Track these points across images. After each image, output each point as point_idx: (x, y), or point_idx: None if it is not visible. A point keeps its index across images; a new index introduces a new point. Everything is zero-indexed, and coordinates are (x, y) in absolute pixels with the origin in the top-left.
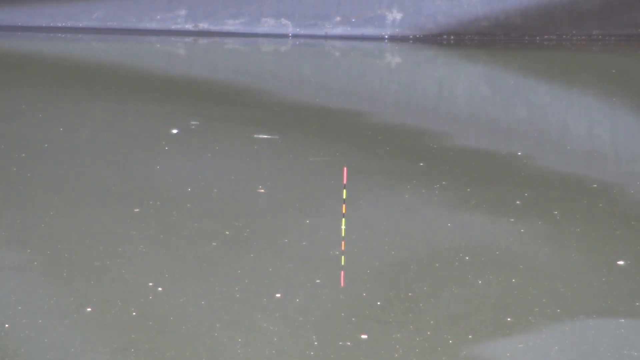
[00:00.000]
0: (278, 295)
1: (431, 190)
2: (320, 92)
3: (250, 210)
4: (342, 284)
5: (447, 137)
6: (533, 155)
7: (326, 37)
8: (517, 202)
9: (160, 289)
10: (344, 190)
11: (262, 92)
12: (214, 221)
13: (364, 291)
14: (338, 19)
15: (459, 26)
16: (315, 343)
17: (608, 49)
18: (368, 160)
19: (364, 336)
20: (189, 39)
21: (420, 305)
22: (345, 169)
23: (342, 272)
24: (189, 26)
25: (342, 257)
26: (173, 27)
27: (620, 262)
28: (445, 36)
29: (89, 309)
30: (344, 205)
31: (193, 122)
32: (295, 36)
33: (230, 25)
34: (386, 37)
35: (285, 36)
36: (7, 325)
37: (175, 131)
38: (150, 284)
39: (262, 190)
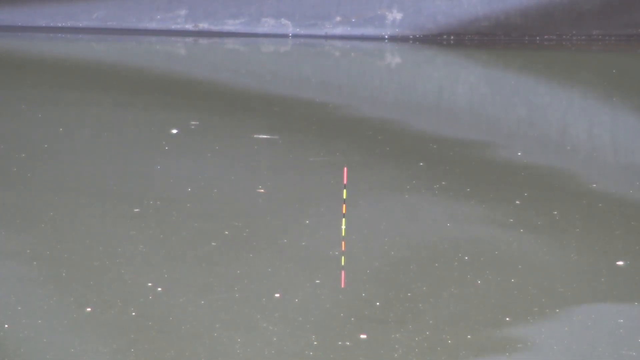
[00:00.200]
0: (277, 295)
1: (431, 190)
2: (320, 92)
3: (250, 210)
4: (342, 285)
5: (447, 137)
6: (533, 155)
7: (326, 37)
8: (517, 202)
9: (159, 289)
10: (344, 190)
11: (262, 92)
12: (214, 221)
13: (363, 291)
14: (338, 19)
15: (459, 26)
16: (315, 343)
17: (608, 49)
18: (368, 160)
19: (363, 336)
20: (189, 39)
21: (419, 305)
22: (345, 169)
23: (343, 273)
24: (189, 26)
25: (343, 257)
26: (173, 27)
27: (620, 262)
28: (445, 36)
29: (88, 309)
30: (344, 205)
31: (193, 122)
32: (295, 36)
33: (231, 25)
34: (386, 37)
35: (285, 36)
36: (6, 326)
37: (175, 131)
38: (150, 284)
39: (262, 190)
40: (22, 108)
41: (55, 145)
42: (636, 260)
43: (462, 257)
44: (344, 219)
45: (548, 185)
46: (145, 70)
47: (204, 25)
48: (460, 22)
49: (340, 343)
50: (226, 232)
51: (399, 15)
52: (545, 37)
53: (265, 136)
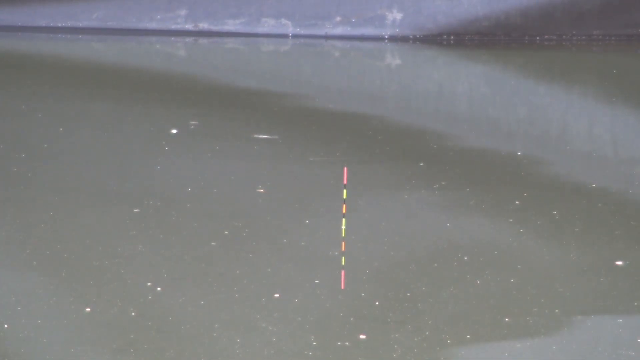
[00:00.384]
0: (277, 295)
1: (431, 191)
2: (320, 92)
3: (249, 210)
4: (342, 285)
5: (447, 137)
6: (533, 155)
7: (326, 37)
8: (517, 202)
9: (159, 289)
10: (344, 190)
11: (262, 92)
12: (214, 221)
13: (362, 291)
14: (338, 19)
15: (459, 26)
16: (314, 343)
17: (608, 49)
18: (368, 160)
19: (362, 336)
20: (189, 39)
21: (418, 306)
22: (345, 169)
23: (343, 273)
24: (189, 26)
25: (343, 257)
26: (173, 27)
27: (619, 263)
28: (445, 36)
29: (88, 309)
30: (344, 205)
31: (192, 122)
32: (295, 36)
33: (231, 25)
34: (386, 37)
35: (285, 36)
36: (6, 326)
37: (174, 131)
38: (150, 284)
39: (262, 190)
40: (22, 108)
41: (55, 145)
42: (635, 260)
43: (462, 257)
44: (344, 219)
45: (548, 185)
46: (145, 70)
47: (204, 25)
48: (460, 22)
49: (339, 343)
50: (226, 232)
51: (399, 15)
52: (545, 37)
53: (265, 136)
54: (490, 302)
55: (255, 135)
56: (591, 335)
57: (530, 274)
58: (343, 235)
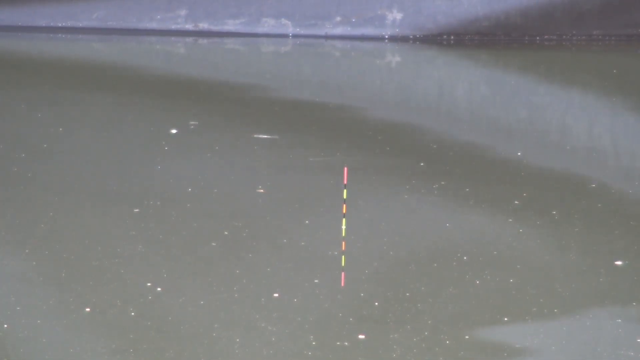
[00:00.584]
0: (276, 295)
1: (430, 190)
2: (321, 92)
3: (249, 210)
4: (342, 285)
5: (447, 137)
6: (533, 155)
7: (326, 37)
8: (516, 202)
9: (159, 289)
10: (344, 190)
11: (262, 92)
12: (214, 221)
13: (362, 291)
14: (338, 19)
15: (459, 26)
16: (313, 343)
17: (608, 49)
18: (368, 160)
19: (361, 336)
20: (189, 39)
21: (418, 306)
22: (345, 169)
23: (343, 273)
24: (189, 26)
25: (343, 257)
26: (173, 27)
27: (619, 262)
28: (445, 36)
29: (87, 309)
30: (344, 205)
31: (192, 122)
32: (295, 36)
33: (231, 25)
34: (386, 37)
35: (285, 36)
36: (5, 326)
37: (174, 131)
38: (149, 284)
39: (262, 190)
40: (22, 108)
41: (55, 145)
42: (635, 260)
43: (461, 257)
44: (344, 219)
45: (547, 185)
46: (145, 70)
47: (204, 25)
48: (460, 22)
49: (338, 343)
50: (226, 232)
51: (399, 15)
52: (545, 37)
53: (265, 136)
54: (490, 302)
55: (255, 135)
56: (590, 335)
57: (529, 274)
58: (343, 235)
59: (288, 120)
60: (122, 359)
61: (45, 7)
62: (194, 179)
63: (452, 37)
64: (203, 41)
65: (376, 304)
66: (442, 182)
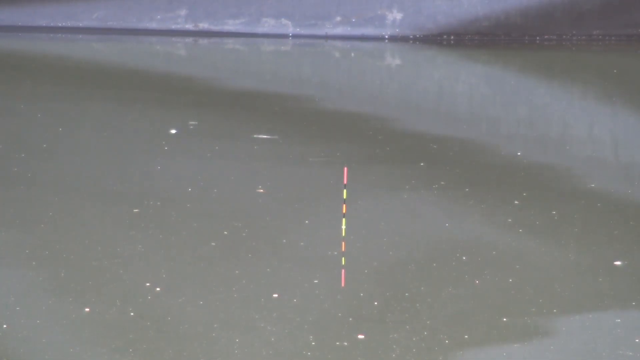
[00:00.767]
0: (276, 295)
1: (430, 190)
2: (321, 92)
3: (249, 211)
4: (343, 285)
5: (447, 137)
6: (532, 155)
7: (326, 37)
8: (516, 202)
9: (158, 289)
10: (344, 190)
11: (262, 92)
12: (213, 221)
13: (361, 291)
14: (338, 19)
15: (459, 26)
16: (313, 343)
17: (608, 49)
18: (368, 160)
19: (361, 336)
20: (189, 39)
21: (417, 306)
22: (345, 169)
23: (343, 273)
24: (189, 26)
25: (343, 257)
26: (173, 27)
27: (618, 262)
28: (445, 36)
29: (87, 309)
30: (344, 205)
31: (192, 122)
32: (295, 36)
33: (231, 25)
34: (386, 37)
35: (285, 36)
36: (5, 326)
37: (173, 131)
38: (149, 284)
39: (262, 190)
40: (22, 108)
41: (55, 145)
42: (634, 260)
43: (461, 257)
44: (344, 219)
45: (547, 186)
46: (145, 70)
47: (204, 25)
48: (460, 22)
49: (338, 343)
50: (225, 233)
51: (399, 15)
52: (545, 37)
53: (265, 136)
54: (489, 302)
55: (255, 135)
56: (589, 335)
57: (528, 274)
58: (343, 235)
59: (288, 120)
60: (122, 358)
61: (45, 7)
62: (194, 179)
63: (452, 37)
64: (203, 41)
65: (375, 303)
66: (442, 182)
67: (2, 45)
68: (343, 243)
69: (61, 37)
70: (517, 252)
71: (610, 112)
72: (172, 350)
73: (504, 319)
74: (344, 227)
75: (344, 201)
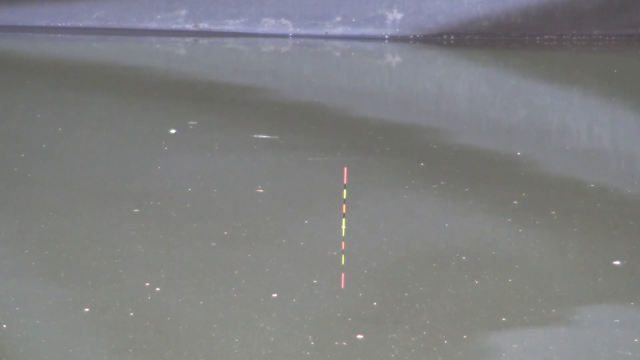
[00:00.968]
0: (275, 295)
1: (430, 190)
2: (320, 92)
3: (249, 211)
4: (342, 285)
5: (447, 137)
6: (532, 155)
7: (326, 37)
8: (515, 202)
9: (158, 289)
10: (344, 190)
11: (262, 92)
12: (213, 221)
13: (360, 291)
14: (338, 19)
15: (460, 26)
16: (312, 343)
17: (608, 49)
18: (368, 160)
19: (360, 336)
20: (189, 39)
21: (416, 306)
22: (345, 169)
23: (343, 273)
24: (189, 26)
25: (343, 257)
26: (173, 27)
27: (617, 262)
28: (445, 36)
29: (86, 310)
30: (344, 205)
31: (191, 122)
32: (295, 36)
33: (231, 25)
34: (386, 37)
35: (285, 36)
36: (4, 326)
37: (173, 131)
38: (148, 284)
39: (261, 191)
40: (22, 108)
41: (54, 145)
42: (633, 260)
43: (460, 257)
44: (344, 219)
45: (546, 185)
46: (145, 70)
47: (204, 25)
48: (460, 22)
49: (337, 343)
50: (225, 233)
51: (399, 15)
52: (546, 37)
53: (265, 136)
54: (488, 301)
55: (255, 135)
56: (588, 335)
57: (528, 274)
58: (343, 235)
59: (288, 121)
60: (121, 358)
61: (45, 7)
62: (194, 179)
63: (452, 37)
64: (203, 41)
65: (375, 304)
66: (442, 182)
67: (2, 45)
68: (343, 243)
69: (61, 37)
70: (517, 252)
71: (610, 112)
72: (172, 350)
73: (503, 319)
74: (344, 227)
75: (344, 201)
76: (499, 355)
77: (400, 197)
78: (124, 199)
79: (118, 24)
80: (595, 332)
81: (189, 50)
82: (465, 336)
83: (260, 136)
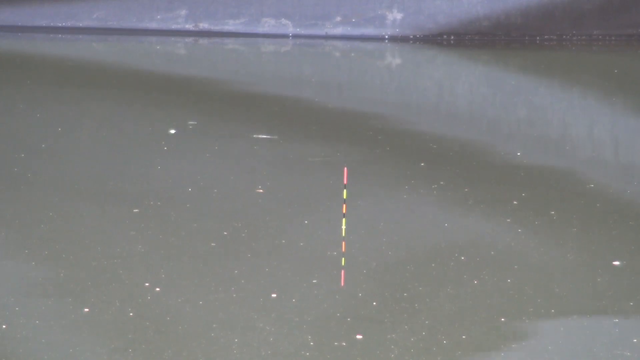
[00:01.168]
0: (274, 295)
1: (429, 190)
2: (320, 92)
3: (249, 211)
4: (342, 284)
5: (447, 137)
6: (532, 155)
7: (326, 37)
8: (515, 202)
9: (157, 289)
10: (344, 190)
11: (262, 92)
12: (213, 221)
13: (360, 291)
14: (338, 19)
15: (460, 26)
16: (311, 343)
17: (608, 49)
18: (368, 160)
19: (359, 336)
20: (189, 39)
21: (415, 306)
22: (345, 169)
23: (343, 273)
24: (189, 26)
25: (343, 257)
26: (173, 27)
27: (616, 262)
28: (445, 36)
29: (86, 310)
30: (344, 205)
31: (191, 122)
32: (295, 36)
33: (231, 25)
34: (386, 37)
35: (285, 36)
36: (4, 326)
37: (173, 131)
38: (148, 284)
39: (261, 191)
40: (22, 108)
41: (54, 145)
42: (633, 260)
43: (459, 257)
44: (344, 219)
45: (546, 186)
46: (145, 70)
47: (204, 25)
48: (460, 22)
49: (336, 343)
50: (225, 233)
51: (399, 15)
52: (546, 37)
53: (265, 136)
54: (487, 302)
55: (255, 135)
56: (587, 335)
57: (527, 274)
58: (343, 235)
59: (288, 120)
60: (121, 358)
61: (45, 7)
62: (194, 179)
63: (452, 37)
64: (203, 41)
65: (374, 304)
66: (442, 182)
67: (2, 45)
68: (343, 243)
69: (61, 37)
70: (516, 252)
71: (610, 112)
72: (172, 350)
73: (502, 319)
74: (343, 227)
75: (344, 201)
76: (498, 355)
77: (400, 197)
78: (124, 199)
79: (118, 24)
80: (594, 332)
81: (189, 50)
82: (464, 336)
83: (260, 136)
